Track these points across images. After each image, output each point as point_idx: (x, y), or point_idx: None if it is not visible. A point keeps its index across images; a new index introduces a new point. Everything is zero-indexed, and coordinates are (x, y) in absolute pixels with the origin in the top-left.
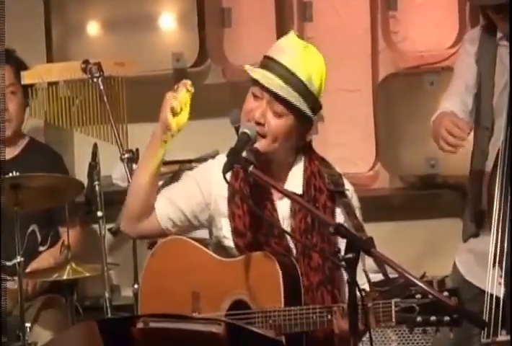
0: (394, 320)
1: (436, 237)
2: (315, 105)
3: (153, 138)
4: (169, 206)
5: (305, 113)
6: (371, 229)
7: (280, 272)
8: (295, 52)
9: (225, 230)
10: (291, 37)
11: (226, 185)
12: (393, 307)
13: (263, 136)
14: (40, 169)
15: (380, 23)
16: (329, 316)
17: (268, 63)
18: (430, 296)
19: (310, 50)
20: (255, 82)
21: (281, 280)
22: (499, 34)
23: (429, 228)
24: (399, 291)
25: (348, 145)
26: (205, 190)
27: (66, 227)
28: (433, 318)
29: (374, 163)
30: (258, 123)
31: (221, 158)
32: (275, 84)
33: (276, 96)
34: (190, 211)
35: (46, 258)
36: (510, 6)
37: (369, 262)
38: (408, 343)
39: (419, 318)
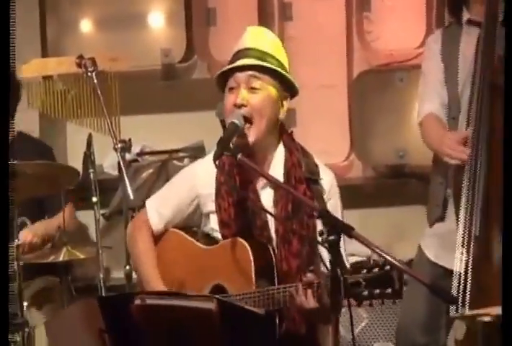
0: (342, 294)
1: (404, 222)
2: (290, 78)
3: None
4: (162, 220)
5: (285, 77)
6: (345, 214)
7: (251, 257)
8: (254, 37)
9: (213, 223)
10: (248, 30)
11: (211, 184)
12: (341, 282)
13: (250, 121)
14: (30, 159)
15: (355, 24)
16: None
17: (237, 55)
18: (378, 270)
19: (266, 32)
20: (229, 75)
21: (253, 265)
22: (464, 18)
23: (397, 214)
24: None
25: (325, 137)
26: (193, 194)
27: (59, 213)
28: (377, 291)
29: (349, 154)
30: (241, 106)
31: (203, 162)
32: (250, 61)
33: (253, 70)
34: (181, 216)
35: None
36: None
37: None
38: (378, 320)
39: (365, 292)
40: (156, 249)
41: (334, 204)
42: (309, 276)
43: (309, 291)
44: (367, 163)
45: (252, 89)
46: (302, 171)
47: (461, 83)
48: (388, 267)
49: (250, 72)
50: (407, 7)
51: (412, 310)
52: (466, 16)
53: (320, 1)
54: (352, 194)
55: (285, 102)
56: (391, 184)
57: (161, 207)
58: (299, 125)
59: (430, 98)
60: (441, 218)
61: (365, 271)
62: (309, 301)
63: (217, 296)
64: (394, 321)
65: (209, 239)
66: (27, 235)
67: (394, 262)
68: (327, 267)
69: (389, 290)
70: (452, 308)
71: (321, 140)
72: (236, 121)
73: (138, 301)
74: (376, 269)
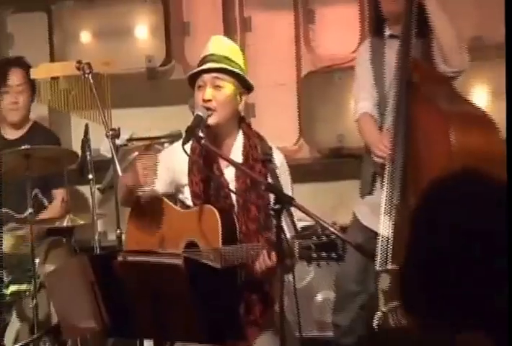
0: (297, 256)
1: (344, 194)
2: (246, 78)
3: (122, 189)
4: None
5: (242, 77)
6: (296, 189)
7: (219, 220)
8: (216, 45)
9: (186, 193)
10: (212, 39)
11: (185, 162)
12: (296, 246)
13: (214, 110)
14: (41, 144)
15: (302, 33)
16: (255, 252)
17: (203, 60)
18: (326, 238)
19: (226, 41)
20: (197, 76)
21: (220, 226)
22: (386, 33)
23: (338, 187)
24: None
25: (279, 125)
26: (170, 170)
27: (61, 189)
28: (324, 254)
29: (298, 139)
30: (208, 100)
31: (179, 145)
32: (214, 64)
33: (216, 72)
34: (160, 187)
35: (51, 210)
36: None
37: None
38: (322, 273)
39: (314, 254)
40: (142, 210)
41: (284, 179)
42: (269, 238)
43: (267, 255)
44: (313, 147)
45: (216, 87)
46: (258, 153)
47: (387, 85)
48: (333, 236)
49: (214, 73)
50: (344, 20)
51: (347, 265)
52: (387, 32)
53: (274, 16)
54: (302, 172)
55: (243, 97)
56: (333, 163)
57: None
58: (258, 116)
59: (364, 98)
60: (370, 191)
61: (315, 238)
62: (268, 259)
63: (183, 254)
64: (334, 273)
65: (184, 205)
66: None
67: (328, 226)
68: (283, 232)
69: (334, 255)
70: (379, 263)
71: (276, 128)
72: (200, 113)
73: (120, 258)
74: (324, 237)
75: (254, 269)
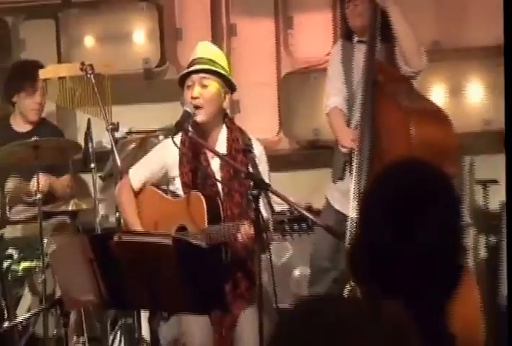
0: (271, 229)
1: (319, 180)
2: (230, 78)
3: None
4: (139, 182)
5: (226, 77)
6: (277, 176)
7: (205, 205)
8: (203, 49)
9: (177, 184)
10: (199, 44)
11: (176, 156)
12: (271, 221)
13: (201, 107)
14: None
15: (282, 38)
16: (237, 230)
17: (191, 62)
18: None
19: (211, 46)
20: (186, 76)
21: (205, 210)
22: (354, 39)
23: (313, 175)
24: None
25: (261, 120)
26: (162, 162)
27: (66, 176)
28: (296, 226)
29: (278, 132)
30: (195, 98)
31: (170, 141)
32: (201, 66)
33: (204, 73)
34: (153, 178)
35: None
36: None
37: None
38: (299, 251)
39: (287, 227)
40: (138, 200)
41: (263, 167)
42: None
43: (247, 226)
44: (292, 139)
45: (203, 86)
46: (239, 144)
47: (356, 83)
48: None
49: (201, 74)
50: (319, 26)
51: (320, 244)
52: (355, 38)
53: (256, 22)
54: (282, 161)
55: (227, 95)
56: (309, 154)
57: (139, 173)
58: (242, 112)
59: (335, 94)
60: (341, 178)
61: (288, 214)
62: (248, 229)
63: (172, 235)
64: (310, 252)
65: (175, 195)
66: (42, 178)
67: (302, 210)
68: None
69: (304, 225)
70: (348, 242)
71: (258, 122)
72: (187, 109)
73: (116, 238)
74: (296, 212)
75: (237, 244)
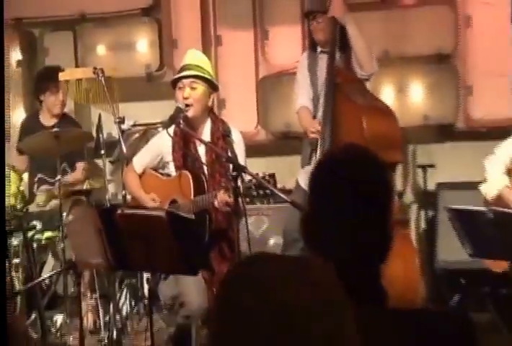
0: (241, 194)
1: (290, 166)
2: (213, 81)
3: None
4: (141, 167)
5: (210, 81)
6: (255, 162)
7: (191, 182)
8: (191, 57)
9: (171, 168)
10: (188, 52)
11: (169, 145)
12: (241, 188)
13: (191, 105)
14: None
15: (259, 47)
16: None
17: (182, 68)
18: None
19: (198, 53)
20: (178, 80)
21: (192, 186)
22: (318, 50)
23: (286, 161)
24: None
25: (243, 114)
26: (158, 150)
27: (82, 162)
28: (261, 192)
29: (256, 125)
30: (186, 98)
31: (165, 132)
32: (190, 72)
33: (193, 77)
34: (152, 164)
35: (74, 176)
36: None
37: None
38: (274, 223)
39: (254, 193)
40: (140, 181)
41: (240, 152)
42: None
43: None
44: (268, 131)
45: (192, 88)
46: (220, 132)
47: (320, 85)
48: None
49: (191, 79)
50: (290, 38)
51: (291, 218)
52: (319, 49)
53: (239, 34)
54: (260, 150)
55: (211, 95)
56: (282, 143)
57: (140, 161)
58: (227, 108)
59: (302, 94)
60: (308, 163)
61: (256, 182)
62: (223, 200)
63: (165, 208)
64: (282, 225)
65: (168, 176)
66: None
67: (273, 189)
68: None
69: (269, 192)
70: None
71: (240, 117)
72: (179, 105)
73: (119, 211)
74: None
75: (218, 215)
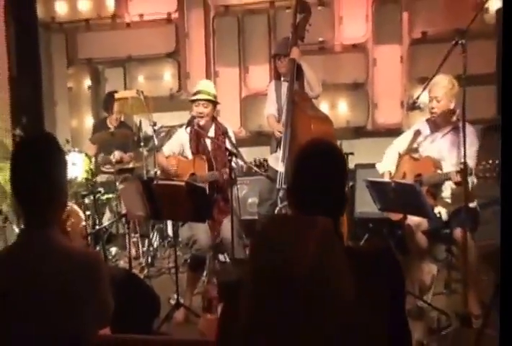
0: (233, 170)
1: (263, 154)
2: (217, 101)
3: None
4: (169, 152)
5: (216, 103)
6: (243, 150)
7: (206, 162)
8: (203, 85)
9: (188, 154)
10: (201, 81)
11: (187, 138)
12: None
13: (203, 117)
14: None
15: (243, 77)
16: (221, 173)
17: (196, 92)
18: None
19: (208, 82)
20: (196, 100)
21: (206, 165)
22: (282, 79)
23: (260, 150)
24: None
25: (231, 120)
26: (179, 141)
27: (129, 152)
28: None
29: (240, 127)
30: (201, 113)
31: (184, 128)
32: (203, 96)
33: (205, 100)
34: (176, 150)
35: (126, 158)
36: None
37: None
38: (253, 188)
39: (241, 163)
40: (167, 160)
41: (233, 143)
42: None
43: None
44: (247, 130)
45: (204, 106)
46: (220, 130)
47: (283, 102)
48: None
49: (203, 101)
50: (262, 71)
51: (264, 185)
52: (282, 78)
53: (229, 70)
54: (243, 143)
55: (215, 109)
56: (258, 139)
57: (168, 148)
58: (222, 115)
59: (270, 107)
60: (275, 151)
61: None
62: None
63: (184, 180)
64: (258, 190)
65: (186, 158)
66: (119, 154)
67: (253, 166)
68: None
69: (260, 171)
70: (277, 184)
71: (230, 121)
72: (194, 114)
73: (155, 182)
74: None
75: (221, 182)
